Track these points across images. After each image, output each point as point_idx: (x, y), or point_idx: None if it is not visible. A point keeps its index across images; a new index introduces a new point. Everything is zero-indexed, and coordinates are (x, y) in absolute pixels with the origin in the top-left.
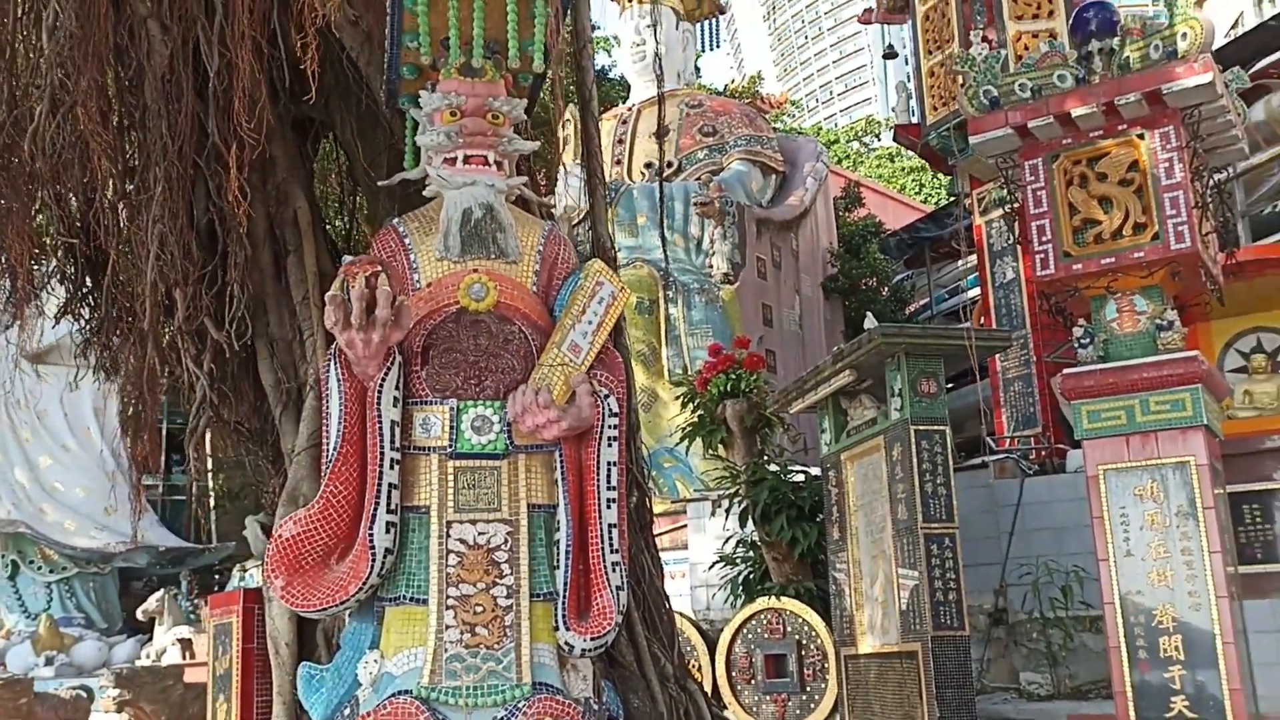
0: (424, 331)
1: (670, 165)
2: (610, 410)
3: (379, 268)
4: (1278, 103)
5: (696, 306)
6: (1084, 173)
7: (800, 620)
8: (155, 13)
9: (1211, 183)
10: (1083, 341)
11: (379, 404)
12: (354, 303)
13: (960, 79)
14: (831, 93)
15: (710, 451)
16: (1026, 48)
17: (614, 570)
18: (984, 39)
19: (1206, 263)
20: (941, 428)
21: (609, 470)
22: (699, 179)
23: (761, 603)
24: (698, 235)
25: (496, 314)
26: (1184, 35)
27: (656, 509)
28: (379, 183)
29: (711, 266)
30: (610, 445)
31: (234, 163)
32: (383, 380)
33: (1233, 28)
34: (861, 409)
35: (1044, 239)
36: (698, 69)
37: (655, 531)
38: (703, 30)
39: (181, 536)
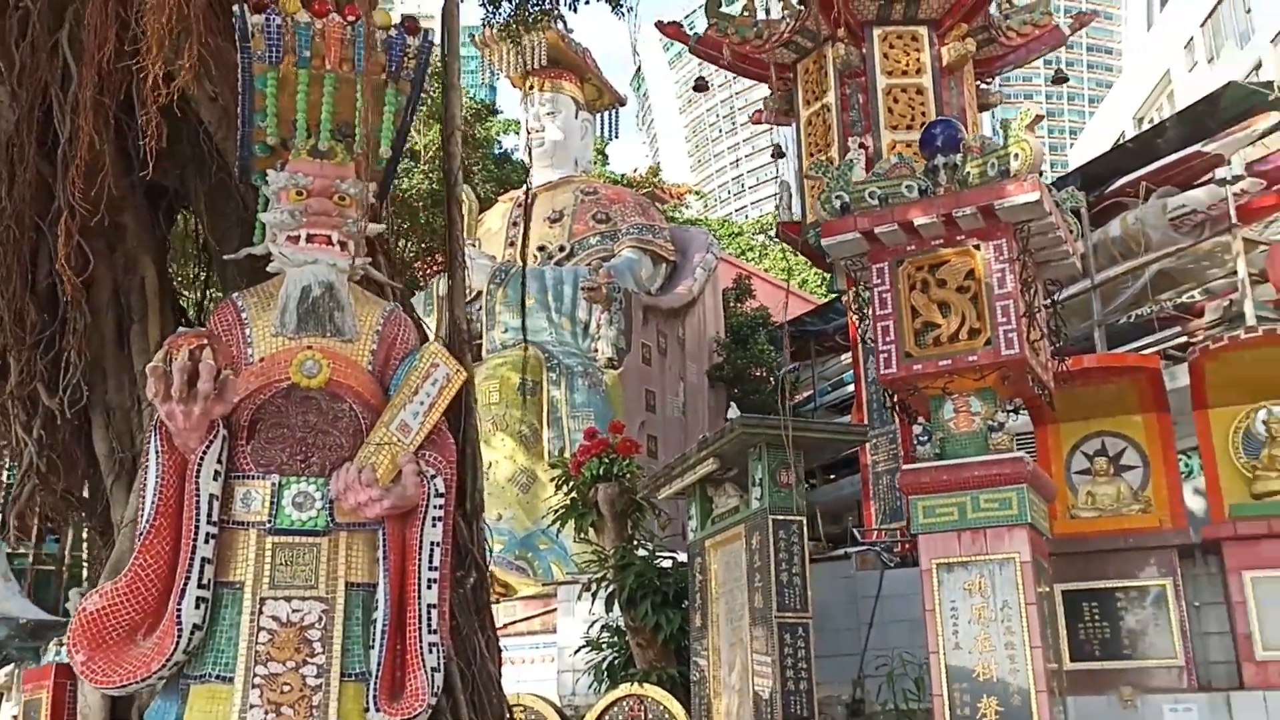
0: (253, 406)
1: (562, 250)
2: (436, 490)
3: (204, 341)
4: (1132, 220)
5: (579, 389)
6: (926, 278)
7: (661, 708)
8: (5, 79)
9: (1041, 293)
10: (921, 439)
11: (198, 477)
12: (175, 374)
13: (816, 185)
14: (743, 185)
15: (579, 535)
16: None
17: (430, 651)
18: (860, 145)
19: (1035, 368)
20: (799, 518)
21: (432, 550)
22: (589, 264)
23: (624, 689)
24: (585, 319)
25: (328, 391)
26: (1016, 156)
27: (529, 591)
28: (225, 256)
29: (597, 351)
30: (434, 525)
31: (64, 230)
32: (204, 453)
33: (1117, 145)
34: (726, 497)
35: (888, 339)
36: (605, 155)
37: (527, 615)
38: (603, 120)
39: (49, 609)
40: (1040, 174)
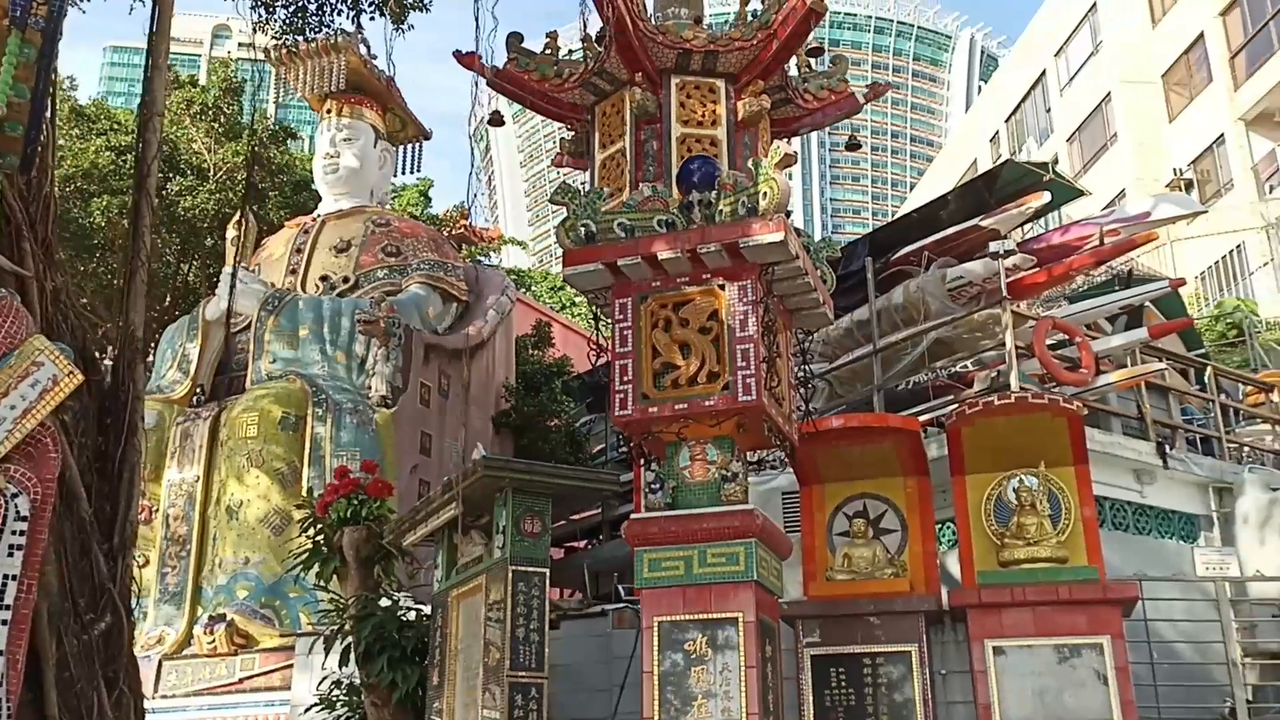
0: None
1: (347, 281)
2: (17, 512)
3: None
4: (914, 288)
5: (347, 427)
6: (669, 317)
7: None
8: None
9: (789, 341)
10: (653, 487)
11: None
12: None
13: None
14: None
15: (319, 582)
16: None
17: None
18: (653, 187)
19: (775, 418)
20: (541, 570)
21: (3, 585)
22: (373, 297)
23: None
24: (362, 354)
25: None
26: (764, 195)
27: (271, 644)
28: None
29: (371, 388)
30: (10, 555)
31: None
32: None
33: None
34: (471, 545)
35: (625, 379)
36: (428, 197)
37: (266, 669)
38: (403, 153)
39: None
40: (829, 241)
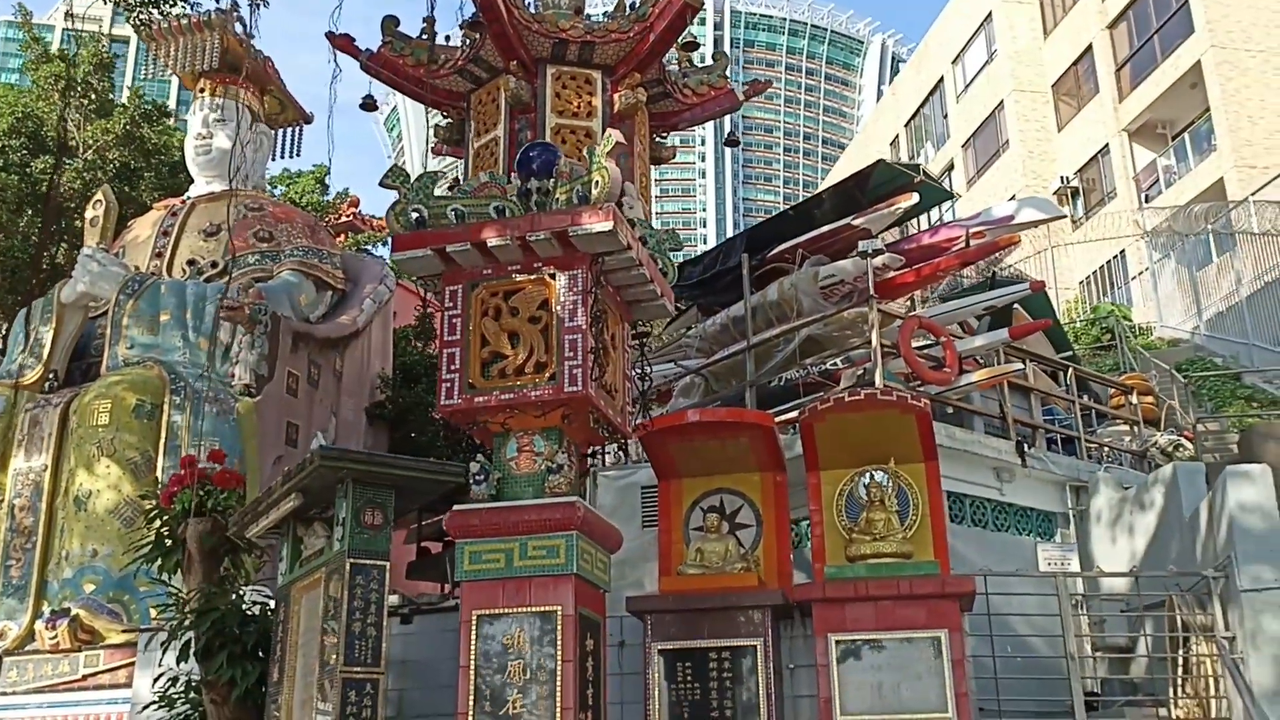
0: None
1: (215, 266)
2: None
3: None
4: (788, 285)
5: (206, 416)
6: (500, 305)
7: None
8: None
9: (627, 334)
10: (477, 479)
11: None
12: None
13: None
14: None
15: (160, 575)
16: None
17: None
18: (490, 174)
19: (605, 410)
20: (381, 563)
21: None
22: (241, 283)
23: None
24: (226, 342)
25: None
26: (596, 183)
27: (118, 639)
28: None
29: (234, 376)
30: None
31: None
32: None
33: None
34: (315, 537)
35: (452, 368)
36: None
37: (111, 666)
38: (283, 136)
39: None
40: (672, 234)
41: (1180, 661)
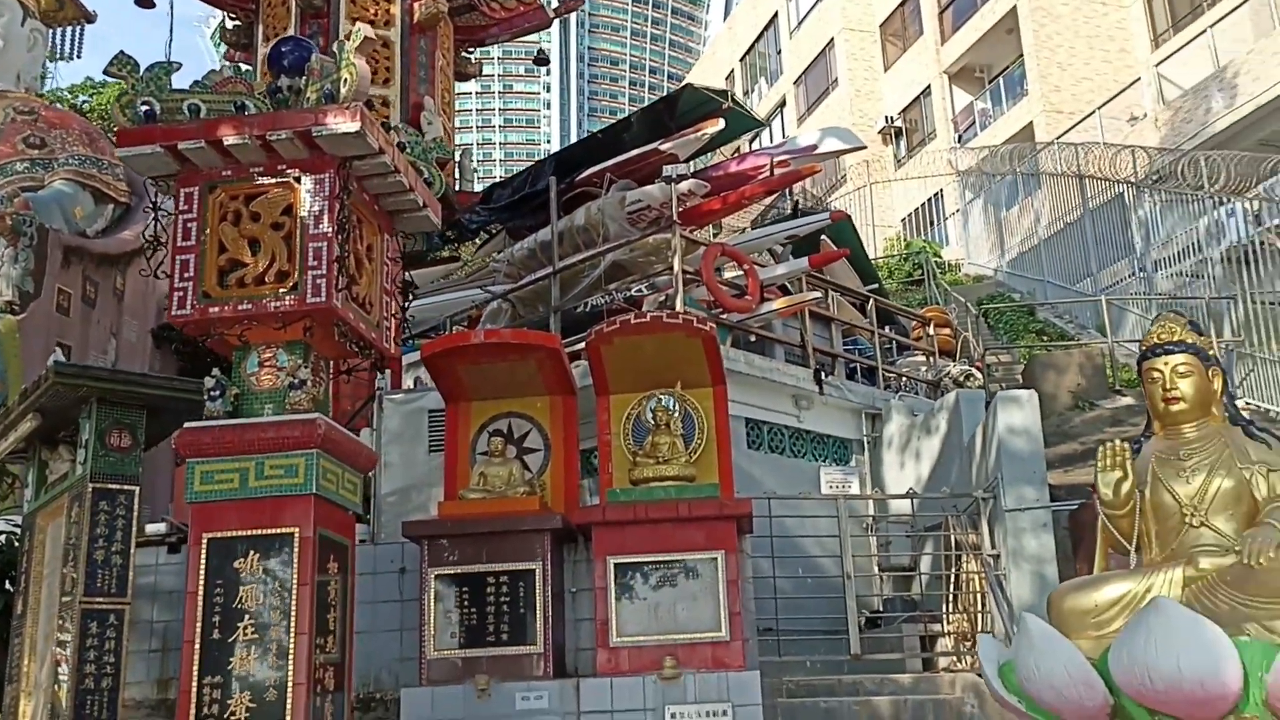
0: None
1: None
2: None
3: None
4: (595, 210)
5: None
6: (240, 210)
7: None
8: None
9: (388, 246)
10: (212, 394)
11: None
12: None
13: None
14: None
15: None
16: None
17: None
18: (235, 68)
19: (355, 324)
20: (130, 487)
21: None
22: (7, 191)
23: None
24: None
25: None
26: (345, 80)
27: None
28: None
29: None
30: None
31: None
32: None
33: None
34: (60, 461)
35: (185, 275)
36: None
37: None
38: (62, 35)
39: None
40: (438, 142)
41: (953, 579)
